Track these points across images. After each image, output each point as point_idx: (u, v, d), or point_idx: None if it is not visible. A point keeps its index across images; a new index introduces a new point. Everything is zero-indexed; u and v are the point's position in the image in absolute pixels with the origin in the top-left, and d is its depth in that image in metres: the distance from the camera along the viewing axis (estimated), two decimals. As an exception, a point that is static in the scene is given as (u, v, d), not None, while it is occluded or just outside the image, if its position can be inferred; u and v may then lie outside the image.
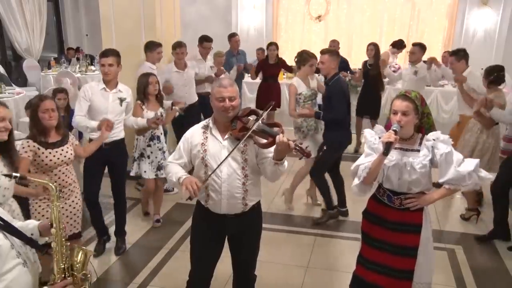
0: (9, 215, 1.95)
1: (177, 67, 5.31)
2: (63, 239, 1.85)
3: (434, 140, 2.43)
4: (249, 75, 7.37)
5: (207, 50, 5.93)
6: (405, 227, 2.51)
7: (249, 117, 2.42)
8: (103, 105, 3.66)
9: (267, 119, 2.42)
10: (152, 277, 3.53)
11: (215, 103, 2.39)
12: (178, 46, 5.25)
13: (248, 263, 2.70)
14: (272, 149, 2.32)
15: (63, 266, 1.84)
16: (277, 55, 6.80)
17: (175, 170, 2.45)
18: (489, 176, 2.42)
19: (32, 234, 1.93)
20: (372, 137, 2.58)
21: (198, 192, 2.30)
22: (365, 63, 6.72)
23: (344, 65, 7.00)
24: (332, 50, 4.44)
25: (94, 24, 9.97)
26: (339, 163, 4.56)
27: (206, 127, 2.46)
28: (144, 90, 4.17)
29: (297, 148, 2.22)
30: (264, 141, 2.31)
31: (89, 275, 1.93)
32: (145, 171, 4.27)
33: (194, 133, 2.48)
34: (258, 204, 2.58)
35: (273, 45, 6.74)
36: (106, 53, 3.63)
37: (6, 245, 1.72)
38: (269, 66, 6.81)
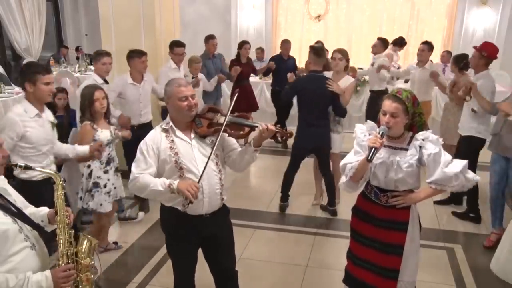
0: (25, 201, 2.06)
1: (133, 79, 4.49)
2: (67, 226, 1.93)
3: (423, 140, 2.40)
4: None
5: (179, 57, 5.18)
6: (392, 225, 2.50)
7: (212, 113, 2.45)
8: (42, 135, 2.94)
9: (244, 118, 2.47)
10: (151, 277, 3.53)
11: (177, 104, 2.33)
12: (144, 54, 4.44)
13: (229, 261, 2.67)
14: (234, 140, 2.46)
15: (66, 252, 1.92)
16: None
17: (157, 180, 2.30)
18: (476, 178, 2.38)
19: (42, 221, 2.03)
20: (361, 133, 2.55)
21: (198, 194, 2.25)
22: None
23: (292, 62, 6.83)
24: (313, 46, 4.40)
25: (93, 24, 9.97)
26: (324, 162, 4.51)
27: (166, 131, 2.38)
28: (90, 107, 3.38)
29: (278, 130, 2.31)
30: (240, 132, 2.37)
31: (93, 263, 1.99)
32: (101, 204, 3.49)
33: (155, 138, 2.37)
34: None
35: (247, 44, 6.46)
36: (48, 70, 2.90)
37: (14, 229, 1.82)
38: (242, 66, 6.32)
